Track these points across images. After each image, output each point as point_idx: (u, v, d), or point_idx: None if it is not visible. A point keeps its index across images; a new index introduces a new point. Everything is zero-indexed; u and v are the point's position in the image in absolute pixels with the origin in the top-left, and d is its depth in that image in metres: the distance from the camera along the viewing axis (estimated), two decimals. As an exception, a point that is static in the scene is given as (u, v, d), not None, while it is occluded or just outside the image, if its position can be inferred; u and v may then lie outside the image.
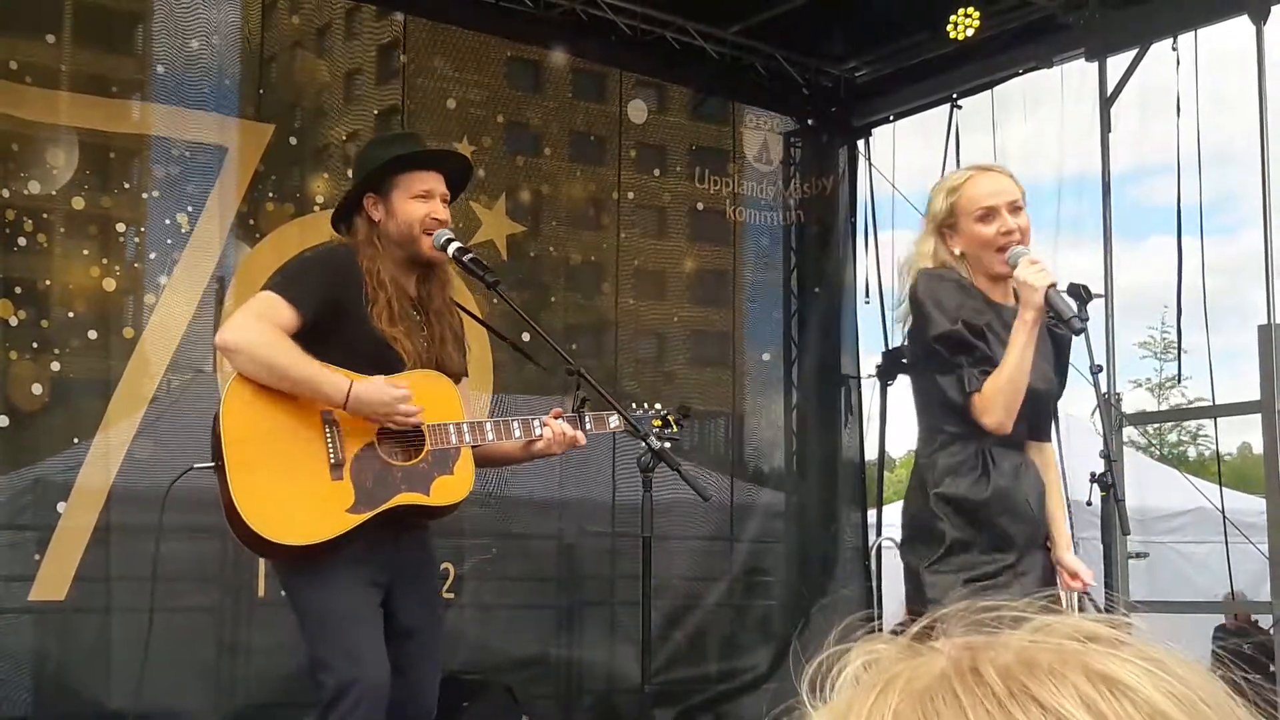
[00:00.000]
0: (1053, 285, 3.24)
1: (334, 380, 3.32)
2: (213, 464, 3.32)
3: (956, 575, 3.29)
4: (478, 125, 6.91)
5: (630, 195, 7.49)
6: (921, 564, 3.36)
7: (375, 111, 6.79)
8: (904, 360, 7.28)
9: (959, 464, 3.35)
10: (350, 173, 6.38)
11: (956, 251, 3.43)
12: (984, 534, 3.32)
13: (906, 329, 3.56)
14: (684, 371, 7.81)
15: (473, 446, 3.55)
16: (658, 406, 3.88)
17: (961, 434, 3.35)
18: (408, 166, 3.58)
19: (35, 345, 5.56)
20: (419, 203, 3.54)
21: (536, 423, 3.58)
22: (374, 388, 3.33)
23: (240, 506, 3.26)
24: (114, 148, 5.92)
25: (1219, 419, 7.55)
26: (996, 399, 3.27)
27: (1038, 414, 3.49)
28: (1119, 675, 0.64)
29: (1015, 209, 3.41)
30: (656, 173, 7.69)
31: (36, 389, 5.53)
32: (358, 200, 3.58)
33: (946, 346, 3.36)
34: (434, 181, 3.60)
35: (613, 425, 3.72)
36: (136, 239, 5.92)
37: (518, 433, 3.58)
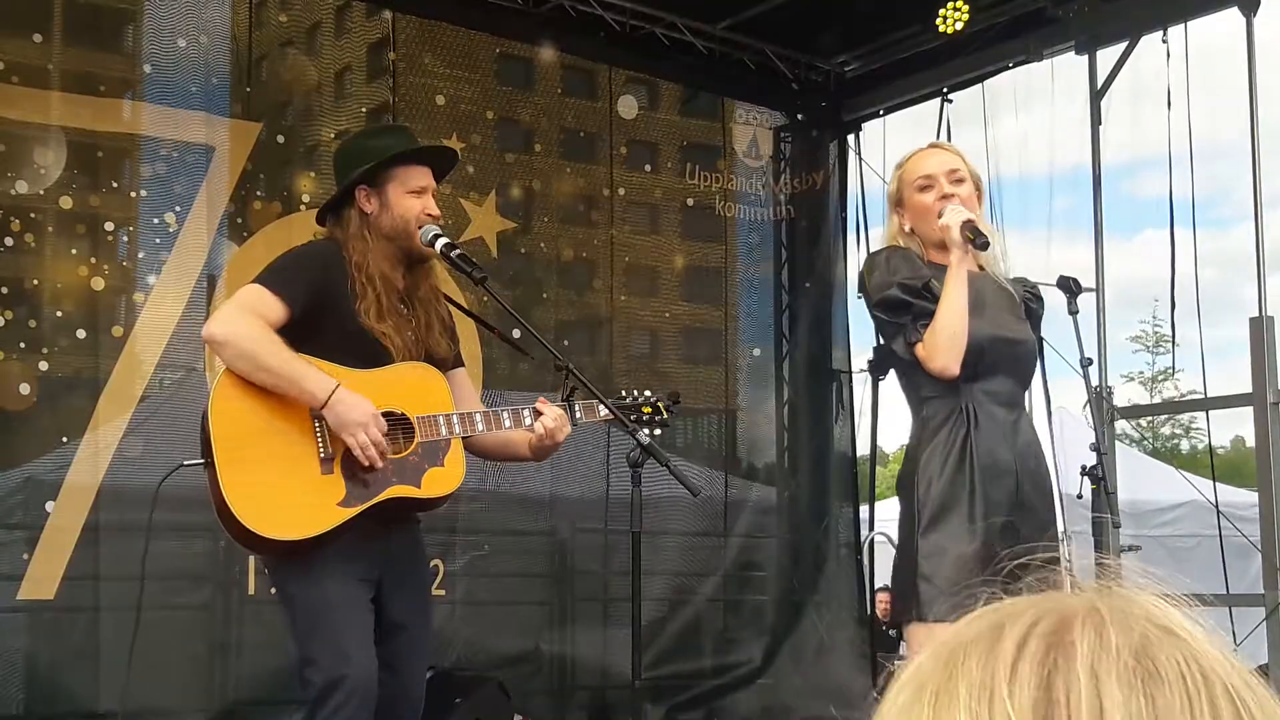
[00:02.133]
0: (969, 220, 3.29)
1: (319, 381, 3.30)
2: (202, 461, 3.31)
3: (947, 549, 3.26)
4: (467, 122, 6.91)
5: (621, 191, 7.49)
6: (914, 532, 3.34)
7: (364, 109, 6.78)
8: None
9: (941, 421, 3.37)
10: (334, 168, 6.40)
11: (907, 228, 3.51)
12: (968, 494, 3.31)
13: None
14: (676, 368, 7.81)
15: (463, 438, 3.54)
16: (648, 394, 3.84)
17: (940, 393, 3.38)
18: (405, 161, 3.57)
19: (23, 345, 5.55)
20: (414, 198, 3.53)
21: (526, 412, 3.56)
22: (357, 401, 3.29)
23: (231, 502, 3.24)
24: (102, 147, 5.91)
25: (1211, 412, 7.54)
26: (936, 342, 3.31)
27: (1021, 368, 3.48)
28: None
29: (956, 179, 3.47)
30: (647, 169, 7.69)
31: (24, 389, 5.52)
32: (349, 193, 3.57)
33: (886, 310, 3.42)
34: (428, 177, 3.60)
35: (603, 414, 3.70)
36: (125, 238, 5.91)
37: (508, 423, 3.56)
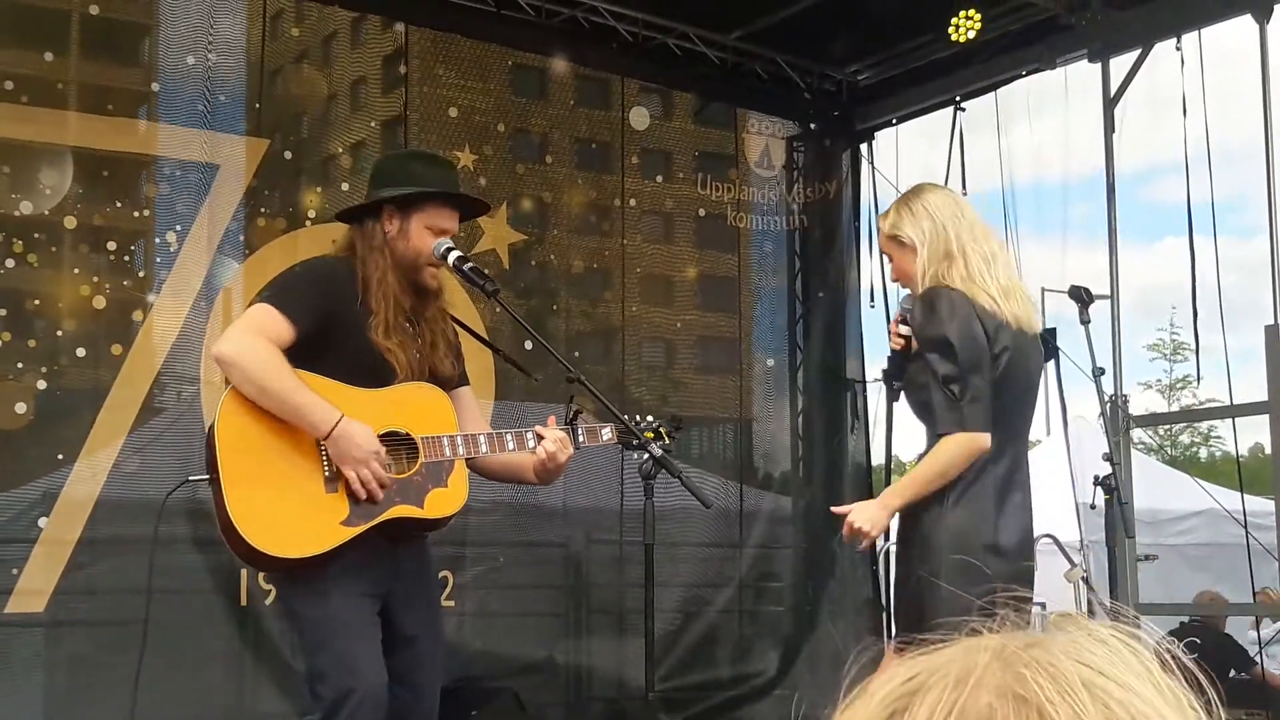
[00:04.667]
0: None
1: (323, 412, 3.30)
2: (207, 477, 3.32)
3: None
4: (480, 133, 6.91)
5: (633, 202, 7.48)
6: None
7: (373, 123, 6.78)
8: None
9: None
10: (346, 186, 6.40)
11: None
12: None
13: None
14: (690, 378, 7.81)
15: (467, 459, 3.55)
16: (650, 419, 3.84)
17: None
18: (440, 201, 3.58)
19: (20, 365, 5.57)
20: (432, 236, 3.54)
21: (530, 434, 3.58)
22: (359, 437, 3.31)
23: (236, 520, 3.25)
24: (108, 166, 5.93)
25: (1243, 419, 7.44)
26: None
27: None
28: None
29: (889, 253, 3.78)
30: (659, 179, 7.70)
31: (20, 408, 5.53)
32: (377, 207, 3.58)
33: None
34: (452, 220, 3.61)
35: (605, 438, 3.72)
36: (127, 257, 5.92)
37: (511, 445, 3.58)
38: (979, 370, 3.46)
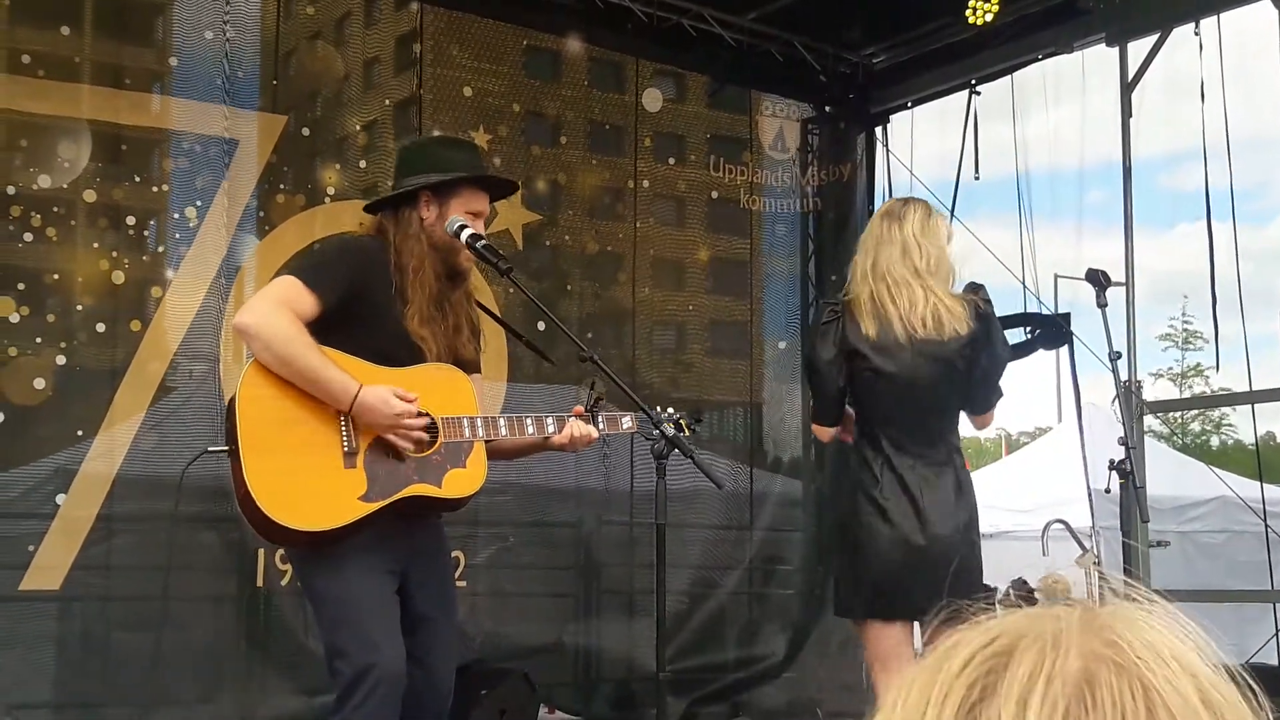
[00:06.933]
0: None
1: (343, 383, 3.31)
2: (226, 448, 3.33)
3: None
4: (494, 114, 6.90)
5: (646, 184, 7.47)
6: None
7: (388, 102, 6.77)
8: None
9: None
10: (364, 163, 6.39)
11: None
12: None
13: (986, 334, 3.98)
14: (702, 361, 7.79)
15: (486, 442, 3.55)
16: (670, 410, 3.86)
17: None
18: (476, 185, 3.61)
19: (39, 340, 5.56)
20: (470, 219, 3.56)
21: (550, 420, 3.58)
22: (380, 399, 3.32)
23: (254, 491, 3.25)
24: (125, 141, 5.92)
25: (1255, 406, 7.42)
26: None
27: None
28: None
29: None
30: (673, 161, 7.67)
31: (39, 384, 5.52)
32: (414, 194, 3.58)
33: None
34: (486, 203, 3.65)
35: (625, 426, 3.74)
36: (146, 232, 5.91)
37: (531, 429, 3.58)
38: (813, 374, 4.13)
